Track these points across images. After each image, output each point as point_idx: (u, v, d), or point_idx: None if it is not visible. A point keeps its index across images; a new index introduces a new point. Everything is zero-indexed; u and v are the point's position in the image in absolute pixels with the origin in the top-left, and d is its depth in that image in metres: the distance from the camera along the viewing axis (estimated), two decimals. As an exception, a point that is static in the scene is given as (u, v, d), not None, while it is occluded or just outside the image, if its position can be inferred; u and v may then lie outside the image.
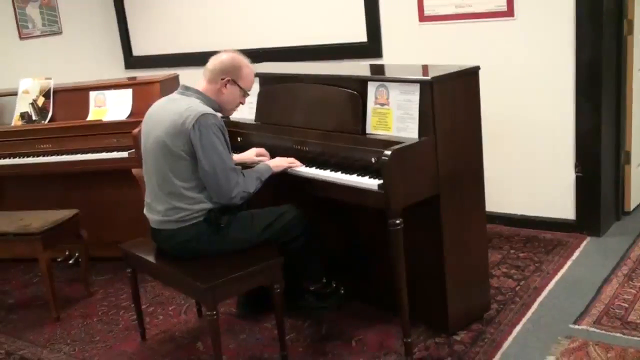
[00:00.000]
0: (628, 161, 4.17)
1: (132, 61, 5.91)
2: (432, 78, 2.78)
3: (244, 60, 3.05)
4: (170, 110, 2.90)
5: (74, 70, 5.16)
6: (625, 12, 3.91)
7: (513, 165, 4.08)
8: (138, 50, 5.89)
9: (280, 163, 3.11)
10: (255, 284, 2.85)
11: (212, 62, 3.02)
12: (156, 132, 2.90)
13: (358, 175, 2.89)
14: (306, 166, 3.13)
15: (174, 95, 3.04)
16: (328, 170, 3.02)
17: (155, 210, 2.97)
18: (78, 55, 5.51)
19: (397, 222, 2.74)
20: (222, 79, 2.98)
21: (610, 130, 3.98)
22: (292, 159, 3.14)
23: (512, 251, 3.93)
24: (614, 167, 4.10)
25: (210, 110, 2.88)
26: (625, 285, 3.39)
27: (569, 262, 3.71)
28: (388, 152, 2.68)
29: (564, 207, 4.08)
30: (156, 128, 2.91)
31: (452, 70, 2.90)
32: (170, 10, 5.58)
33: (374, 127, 3.02)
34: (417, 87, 2.83)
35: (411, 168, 2.76)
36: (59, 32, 5.43)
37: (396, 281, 2.84)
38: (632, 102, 4.09)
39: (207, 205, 2.89)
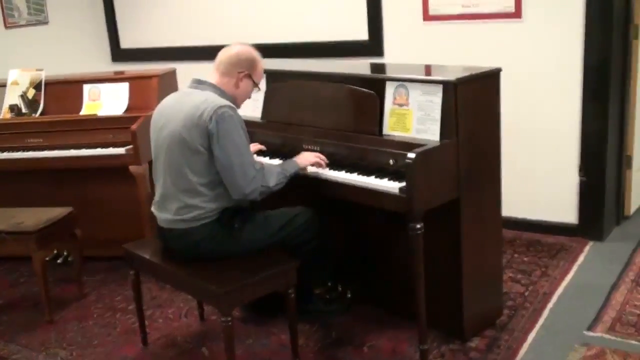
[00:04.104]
0: (629, 165, 4.17)
1: (119, 54, 5.74)
2: (456, 79, 2.71)
3: (258, 55, 2.98)
4: (186, 104, 2.79)
5: (59, 61, 4.96)
6: (631, 17, 3.90)
7: (516, 167, 4.03)
8: (126, 42, 5.71)
9: (307, 158, 3.00)
10: (271, 288, 2.75)
11: (228, 55, 2.91)
12: (171, 126, 2.79)
13: (376, 177, 2.81)
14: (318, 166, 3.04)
15: (188, 89, 2.94)
16: (343, 172, 2.94)
17: (166, 209, 2.85)
18: (64, 47, 5.32)
19: (418, 226, 2.67)
20: (240, 73, 2.90)
21: (614, 134, 3.96)
22: (319, 154, 3.03)
23: (515, 255, 3.89)
24: (616, 171, 4.09)
25: (228, 103, 2.79)
26: (634, 291, 3.37)
27: (574, 267, 3.69)
28: (412, 155, 2.60)
29: (566, 211, 4.05)
30: (171, 122, 2.80)
31: (475, 72, 2.84)
32: (161, 2, 5.41)
33: (391, 127, 2.94)
34: (439, 88, 2.75)
35: (434, 171, 2.69)
36: (45, 22, 5.23)
37: (415, 287, 2.76)
38: (636, 106, 4.08)
39: (222, 204, 2.79)
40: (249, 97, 3.05)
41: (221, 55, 2.92)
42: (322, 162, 2.99)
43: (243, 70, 2.90)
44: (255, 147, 3.31)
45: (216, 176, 2.75)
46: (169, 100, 2.92)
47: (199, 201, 2.76)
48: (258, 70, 2.96)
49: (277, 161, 3.19)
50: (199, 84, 2.89)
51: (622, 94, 3.96)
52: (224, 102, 2.77)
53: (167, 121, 2.81)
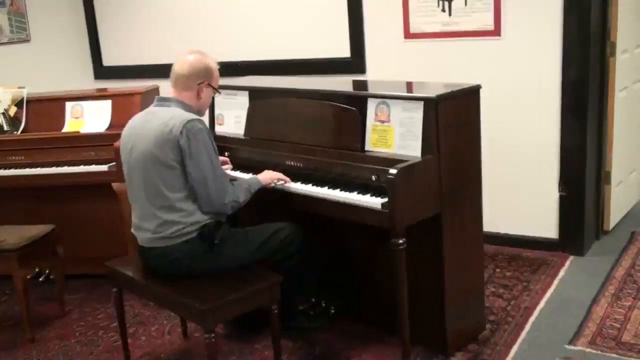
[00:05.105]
0: (608, 181, 4.22)
1: (102, 71, 5.73)
2: (437, 96, 2.75)
3: (210, 59, 2.97)
4: (154, 122, 2.81)
5: (41, 79, 4.95)
6: (608, 34, 3.97)
7: (497, 183, 4.07)
8: (108, 60, 5.71)
9: (269, 176, 3.07)
10: (255, 304, 2.75)
11: (183, 68, 2.89)
12: (141, 146, 2.80)
13: (358, 193, 2.83)
14: (302, 183, 3.06)
15: (153, 108, 2.94)
16: (326, 188, 2.96)
17: (145, 229, 2.85)
18: (46, 64, 5.30)
19: (401, 242, 2.69)
20: (199, 84, 2.90)
21: (593, 150, 4.02)
22: (280, 174, 3.10)
23: (497, 270, 3.92)
24: (595, 187, 4.14)
25: (195, 116, 2.82)
26: (615, 305, 3.41)
27: (555, 282, 3.72)
28: (394, 171, 2.62)
29: (547, 226, 4.10)
30: (141, 141, 2.81)
31: (455, 89, 2.88)
32: (144, 20, 5.43)
33: (373, 144, 2.97)
34: (420, 104, 2.79)
35: (416, 187, 2.71)
36: (27, 40, 5.22)
37: (398, 302, 2.78)
38: (614, 122, 4.14)
39: (201, 218, 2.80)
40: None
41: (175, 71, 2.91)
42: (282, 181, 3.07)
43: (202, 80, 2.90)
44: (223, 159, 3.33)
45: (192, 190, 2.77)
46: (135, 121, 2.93)
47: (178, 216, 2.77)
48: (215, 75, 2.97)
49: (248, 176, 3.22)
50: (163, 101, 2.91)
51: (600, 110, 4.03)
52: (191, 115, 2.79)
53: (137, 141, 2.82)
